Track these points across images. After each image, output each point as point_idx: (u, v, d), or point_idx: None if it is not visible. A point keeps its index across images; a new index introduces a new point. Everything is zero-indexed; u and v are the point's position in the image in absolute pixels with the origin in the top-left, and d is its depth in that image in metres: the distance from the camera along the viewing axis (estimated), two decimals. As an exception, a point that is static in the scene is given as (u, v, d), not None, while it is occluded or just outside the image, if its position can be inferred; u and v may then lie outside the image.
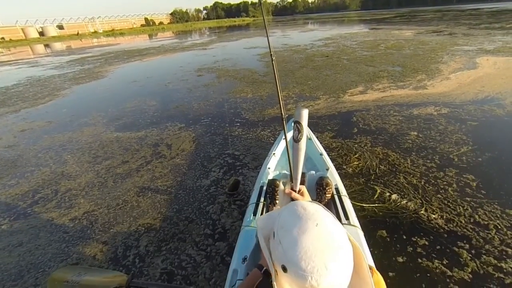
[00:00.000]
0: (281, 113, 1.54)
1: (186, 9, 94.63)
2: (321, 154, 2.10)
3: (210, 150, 3.43)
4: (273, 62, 1.73)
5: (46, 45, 32.79)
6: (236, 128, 3.96)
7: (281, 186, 1.08)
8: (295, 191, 1.04)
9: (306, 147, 2.57)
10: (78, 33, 55.35)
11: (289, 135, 2.40)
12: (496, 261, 1.66)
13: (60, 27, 62.54)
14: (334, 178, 1.88)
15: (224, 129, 3.99)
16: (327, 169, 1.96)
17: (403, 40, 11.21)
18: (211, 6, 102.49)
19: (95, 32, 59.80)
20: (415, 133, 3.38)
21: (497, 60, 6.48)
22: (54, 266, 1.94)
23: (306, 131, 0.94)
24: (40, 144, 4.14)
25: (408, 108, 4.15)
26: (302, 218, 0.56)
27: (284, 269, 0.54)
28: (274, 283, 0.57)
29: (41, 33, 55.80)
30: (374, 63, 7.27)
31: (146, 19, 78.79)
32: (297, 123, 0.92)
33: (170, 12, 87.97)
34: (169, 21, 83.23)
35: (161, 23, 77.45)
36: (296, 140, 0.96)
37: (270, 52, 1.70)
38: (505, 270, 1.60)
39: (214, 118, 4.49)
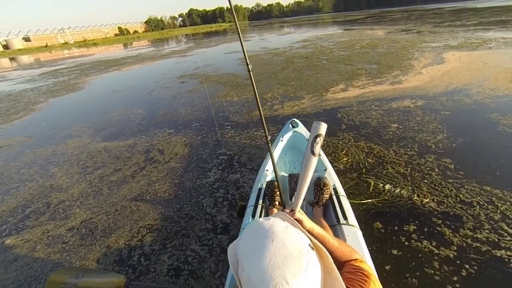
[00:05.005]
0: (265, 134, 1.54)
1: (161, 17, 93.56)
2: (319, 155, 2.20)
3: (203, 152, 3.47)
4: (250, 73, 1.50)
5: (12, 59, 31.13)
6: (227, 131, 4.03)
7: (275, 211, 1.03)
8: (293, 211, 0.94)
9: (304, 147, 2.66)
10: (47, 45, 53.07)
11: (286, 136, 2.51)
12: (488, 234, 1.84)
13: (27, 39, 59.66)
14: (332, 178, 1.90)
15: (215, 132, 4.04)
16: (325, 170, 1.99)
17: (376, 39, 11.79)
18: (186, 13, 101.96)
19: (66, 43, 57.59)
20: (396, 125, 3.61)
21: (461, 55, 7.01)
22: (57, 277, 1.91)
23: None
24: (22, 159, 3.98)
25: (387, 102, 4.41)
26: (259, 238, 0.56)
27: None
28: None
29: (5, 46, 52.97)
30: (351, 62, 7.61)
31: (119, 28, 77.00)
32: (320, 136, 0.90)
33: (144, 21, 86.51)
34: (144, 30, 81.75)
35: (135, 31, 75.94)
36: (314, 153, 0.92)
37: (246, 61, 1.48)
38: (491, 240, 1.79)
39: (203, 122, 4.53)
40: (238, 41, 1.51)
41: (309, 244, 0.58)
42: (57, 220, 2.50)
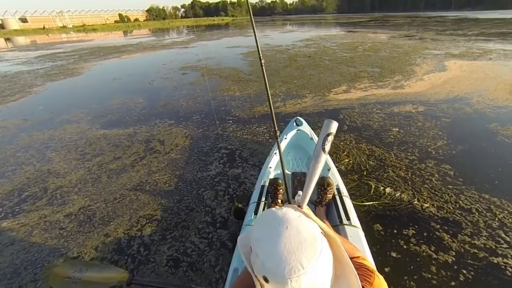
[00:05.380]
0: (274, 129, 1.53)
1: (163, 7, 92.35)
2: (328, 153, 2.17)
3: (204, 145, 3.45)
4: (263, 67, 1.58)
5: (7, 39, 30.44)
6: (229, 125, 4.01)
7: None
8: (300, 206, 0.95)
9: (308, 146, 2.64)
10: (44, 27, 51.96)
11: (290, 134, 2.51)
12: (486, 241, 1.87)
13: (24, 20, 58.38)
14: (336, 178, 1.90)
15: (216, 126, 4.02)
16: (329, 170, 1.98)
17: (378, 43, 11.82)
18: (189, 4, 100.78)
19: (64, 27, 56.47)
20: (397, 129, 3.63)
21: (462, 64, 7.08)
22: (54, 261, 1.89)
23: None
24: (18, 142, 3.90)
25: (389, 106, 4.44)
26: (273, 225, 0.58)
27: (266, 279, 0.54)
28: None
29: (1, 26, 51.70)
30: (354, 64, 7.63)
31: (120, 15, 75.83)
32: (331, 134, 0.92)
33: (146, 9, 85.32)
34: (145, 18, 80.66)
35: (136, 19, 74.93)
36: (325, 151, 0.94)
37: (259, 56, 1.55)
38: (489, 247, 1.82)
39: (204, 115, 4.50)
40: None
41: (321, 232, 0.60)
42: (54, 206, 2.46)
